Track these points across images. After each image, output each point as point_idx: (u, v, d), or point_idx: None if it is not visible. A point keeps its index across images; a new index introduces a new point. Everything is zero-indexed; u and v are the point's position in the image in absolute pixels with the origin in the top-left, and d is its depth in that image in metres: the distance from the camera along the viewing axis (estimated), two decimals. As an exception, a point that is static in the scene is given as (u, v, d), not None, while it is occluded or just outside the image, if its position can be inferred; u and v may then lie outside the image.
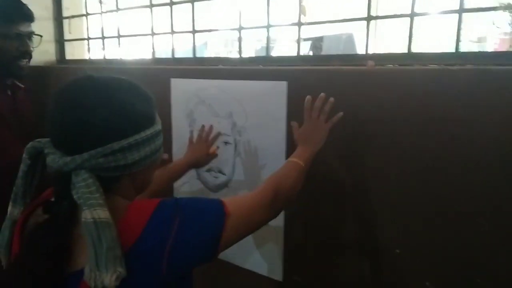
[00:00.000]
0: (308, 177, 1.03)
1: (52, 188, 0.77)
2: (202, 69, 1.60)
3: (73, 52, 2.43)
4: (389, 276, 1.22)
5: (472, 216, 1.06)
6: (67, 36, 2.37)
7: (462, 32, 1.14)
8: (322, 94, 1.10)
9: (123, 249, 0.64)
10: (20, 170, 0.73)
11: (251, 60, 1.57)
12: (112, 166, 0.67)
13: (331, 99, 1.09)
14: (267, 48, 1.51)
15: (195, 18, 1.69)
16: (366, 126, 1.20)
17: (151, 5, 1.84)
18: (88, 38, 2.20)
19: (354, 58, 1.32)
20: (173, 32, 1.79)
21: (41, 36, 1.75)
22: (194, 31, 1.71)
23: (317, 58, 1.40)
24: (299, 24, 1.41)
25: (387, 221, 1.20)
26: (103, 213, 0.63)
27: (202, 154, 1.33)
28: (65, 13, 2.34)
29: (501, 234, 1.03)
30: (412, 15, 1.18)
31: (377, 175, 1.20)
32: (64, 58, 2.40)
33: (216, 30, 1.69)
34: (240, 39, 1.57)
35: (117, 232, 0.64)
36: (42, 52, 2.31)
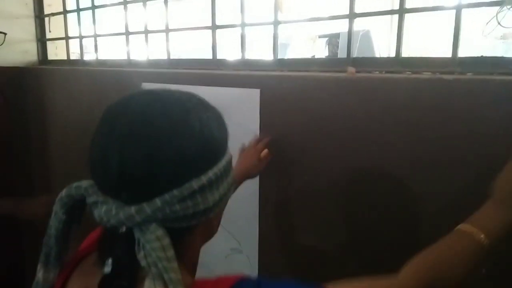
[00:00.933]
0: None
1: (93, 236, 0.61)
2: (172, 73, 1.43)
3: (56, 52, 2.31)
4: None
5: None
6: (49, 35, 2.24)
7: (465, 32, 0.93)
8: None
9: None
10: (51, 226, 0.54)
11: (224, 63, 1.39)
12: (190, 214, 0.49)
13: None
14: (242, 49, 1.33)
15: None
16: (346, 141, 1.01)
17: (125, 2, 1.68)
18: (67, 38, 2.06)
19: (336, 63, 1.12)
20: (147, 31, 1.63)
21: (4, 33, 1.61)
22: (167, 30, 1.54)
23: (295, 62, 1.21)
24: (275, 23, 1.22)
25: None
26: None
27: (253, 160, 1.08)
28: (48, 10, 2.21)
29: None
30: (401, 12, 0.98)
31: (355, 191, 1.02)
32: (46, 58, 2.27)
33: (190, 29, 1.51)
34: (214, 39, 1.40)
35: None
36: (21, 52, 2.19)
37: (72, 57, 2.10)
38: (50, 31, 2.19)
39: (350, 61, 1.08)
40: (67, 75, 1.93)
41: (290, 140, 1.12)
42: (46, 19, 2.20)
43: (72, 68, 1.96)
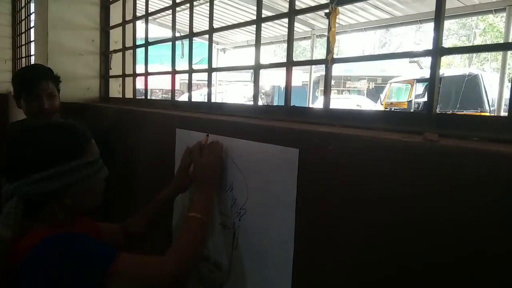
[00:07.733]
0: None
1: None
2: (201, 120, 1.18)
3: (120, 90, 2.23)
4: None
5: None
6: (110, 72, 2.18)
7: None
8: None
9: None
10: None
11: (265, 111, 1.09)
12: (36, 193, 0.81)
13: None
14: (286, 96, 1.03)
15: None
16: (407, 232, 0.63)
17: (174, 38, 1.51)
18: (124, 76, 1.96)
19: (410, 121, 0.76)
20: (192, 70, 1.42)
21: None
22: (210, 69, 1.31)
23: (351, 115, 0.87)
24: (330, 62, 0.90)
25: None
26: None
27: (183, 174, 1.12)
28: (114, 47, 2.16)
29: None
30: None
31: None
32: (108, 95, 2.20)
33: (233, 68, 1.26)
34: (257, 80, 1.12)
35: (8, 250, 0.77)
36: (83, 89, 2.15)
37: (138, 94, 1.99)
38: (111, 68, 2.13)
39: (433, 120, 0.71)
40: (114, 113, 1.80)
41: (331, 225, 0.77)
42: (114, 55, 2.14)
43: (112, 106, 1.84)
